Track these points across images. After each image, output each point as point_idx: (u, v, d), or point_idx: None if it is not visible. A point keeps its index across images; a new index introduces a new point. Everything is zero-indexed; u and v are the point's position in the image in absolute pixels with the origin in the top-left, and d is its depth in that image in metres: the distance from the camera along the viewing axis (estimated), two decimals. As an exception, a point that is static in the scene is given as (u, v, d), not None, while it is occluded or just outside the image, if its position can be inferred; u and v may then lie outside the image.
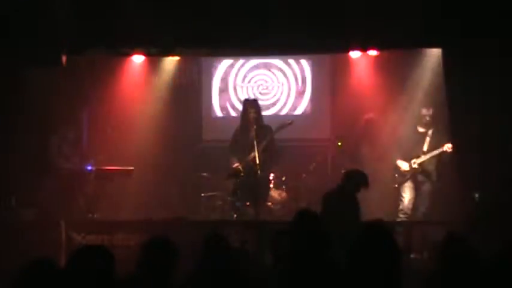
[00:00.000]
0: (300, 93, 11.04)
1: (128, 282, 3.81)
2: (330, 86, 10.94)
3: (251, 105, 8.64)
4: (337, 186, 7.03)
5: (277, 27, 7.86)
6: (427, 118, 8.96)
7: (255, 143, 8.28)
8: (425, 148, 8.95)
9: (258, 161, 8.23)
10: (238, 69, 11.15)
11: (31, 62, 8.03)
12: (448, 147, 8.65)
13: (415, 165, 8.93)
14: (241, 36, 8.04)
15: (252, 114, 8.48)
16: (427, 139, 8.96)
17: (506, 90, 7.61)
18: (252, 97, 10.40)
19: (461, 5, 7.56)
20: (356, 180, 6.95)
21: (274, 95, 11.09)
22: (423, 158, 8.92)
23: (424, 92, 9.39)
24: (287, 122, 8.79)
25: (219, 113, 11.14)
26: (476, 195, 7.70)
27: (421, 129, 9.02)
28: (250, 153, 8.36)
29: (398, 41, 8.21)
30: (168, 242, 4.06)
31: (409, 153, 9.00)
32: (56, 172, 8.81)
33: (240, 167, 8.48)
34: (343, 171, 9.42)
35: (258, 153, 8.25)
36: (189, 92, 11.08)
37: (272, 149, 8.59)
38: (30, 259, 3.43)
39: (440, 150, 8.76)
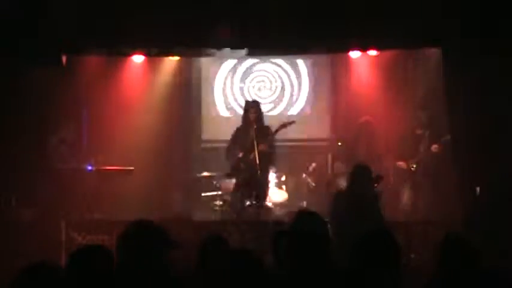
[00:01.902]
0: (300, 94, 11.04)
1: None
2: (330, 86, 10.95)
3: (252, 106, 8.68)
4: (353, 186, 6.79)
5: (277, 27, 7.86)
6: (424, 120, 8.99)
7: (255, 143, 8.29)
8: (422, 149, 8.98)
9: (258, 161, 8.24)
10: (238, 69, 11.15)
11: (31, 62, 8.02)
12: (434, 147, 8.80)
13: (413, 166, 8.95)
14: (241, 36, 8.04)
15: (252, 115, 8.52)
16: (425, 140, 8.97)
17: (506, 90, 7.60)
18: (252, 97, 10.43)
19: (461, 5, 7.56)
20: (369, 173, 6.80)
21: (274, 95, 11.09)
22: (420, 158, 8.94)
23: (423, 92, 9.39)
24: (289, 121, 8.80)
25: (218, 112, 11.14)
26: (478, 188, 7.72)
27: (418, 131, 9.04)
28: (250, 154, 8.36)
29: (398, 41, 8.22)
30: (149, 225, 3.64)
31: (408, 154, 9.01)
32: (55, 172, 8.80)
33: (240, 167, 8.48)
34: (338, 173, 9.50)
35: (258, 153, 8.26)
36: (189, 92, 11.08)
37: (270, 149, 8.59)
38: (30, 259, 3.42)
39: (429, 151, 8.87)
